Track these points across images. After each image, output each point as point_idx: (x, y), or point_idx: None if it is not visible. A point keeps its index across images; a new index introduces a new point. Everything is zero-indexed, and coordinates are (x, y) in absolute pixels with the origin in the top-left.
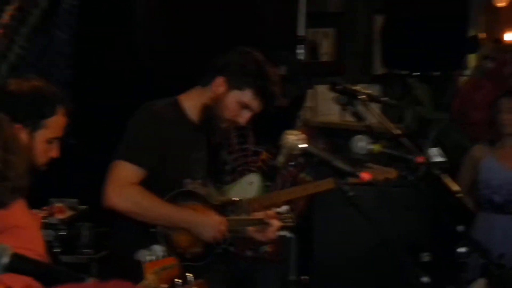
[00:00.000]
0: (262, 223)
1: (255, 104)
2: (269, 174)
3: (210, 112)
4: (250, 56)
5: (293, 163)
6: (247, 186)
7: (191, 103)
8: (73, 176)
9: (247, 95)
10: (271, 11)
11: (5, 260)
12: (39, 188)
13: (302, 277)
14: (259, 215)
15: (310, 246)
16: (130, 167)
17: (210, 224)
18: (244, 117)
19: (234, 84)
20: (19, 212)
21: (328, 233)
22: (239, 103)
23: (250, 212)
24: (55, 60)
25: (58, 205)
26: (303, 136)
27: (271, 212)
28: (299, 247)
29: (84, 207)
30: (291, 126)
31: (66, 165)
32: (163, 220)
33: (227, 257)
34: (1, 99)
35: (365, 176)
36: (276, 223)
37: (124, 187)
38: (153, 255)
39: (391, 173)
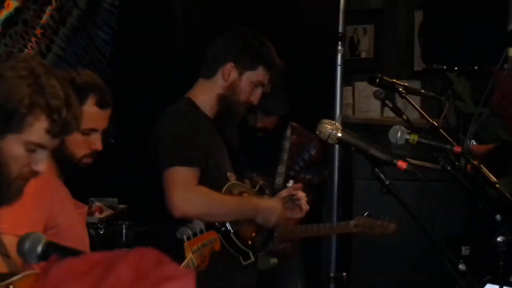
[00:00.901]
0: (291, 199)
1: (266, 78)
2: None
3: (226, 101)
4: (247, 35)
5: (291, 173)
6: None
7: (203, 98)
8: (113, 175)
9: (260, 73)
10: (312, 8)
11: (40, 248)
12: (79, 187)
13: (341, 274)
14: (285, 192)
15: (349, 242)
16: (186, 170)
17: (275, 208)
18: (257, 95)
19: (245, 66)
20: (65, 209)
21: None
22: (253, 83)
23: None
24: (95, 60)
25: (98, 204)
26: (339, 125)
27: (295, 185)
28: (338, 244)
29: (123, 206)
30: (278, 150)
31: (105, 164)
32: (233, 214)
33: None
34: None
35: (402, 164)
36: (302, 194)
37: (189, 192)
38: (192, 230)
39: (389, 228)
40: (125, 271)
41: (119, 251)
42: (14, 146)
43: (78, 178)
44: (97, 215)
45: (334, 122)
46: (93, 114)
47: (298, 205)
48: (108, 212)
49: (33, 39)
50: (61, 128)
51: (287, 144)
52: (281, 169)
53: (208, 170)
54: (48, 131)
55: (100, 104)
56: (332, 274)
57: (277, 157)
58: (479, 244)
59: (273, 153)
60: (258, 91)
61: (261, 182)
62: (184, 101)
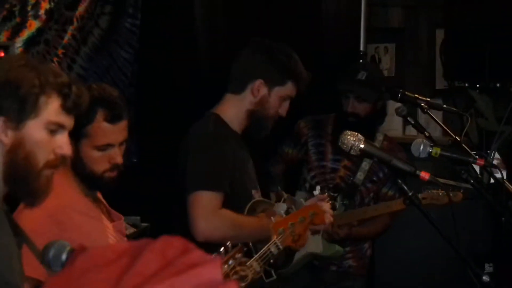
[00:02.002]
0: (315, 213)
1: (294, 92)
2: (348, 192)
3: (256, 116)
4: (274, 49)
5: (374, 178)
6: None
7: (231, 114)
8: (135, 193)
9: (288, 87)
10: (333, 26)
11: (64, 256)
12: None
13: None
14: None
15: (372, 260)
16: (211, 195)
17: None
18: (285, 107)
19: (274, 82)
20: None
21: (389, 247)
22: (282, 97)
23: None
24: (117, 79)
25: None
26: (361, 136)
27: (320, 196)
28: None
29: (146, 224)
30: (372, 137)
31: (128, 182)
32: (256, 235)
33: (312, 269)
34: None
35: (425, 175)
36: (327, 206)
37: (213, 217)
38: (287, 207)
39: (457, 196)
40: (151, 259)
41: (145, 240)
42: (36, 130)
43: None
44: None
45: (356, 133)
46: (104, 129)
47: (322, 217)
48: (131, 230)
49: (55, 59)
50: (73, 103)
51: (378, 144)
52: (365, 166)
53: (233, 190)
54: (63, 107)
55: (110, 119)
56: None
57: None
58: (503, 260)
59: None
60: (286, 104)
61: (285, 195)
62: (211, 118)
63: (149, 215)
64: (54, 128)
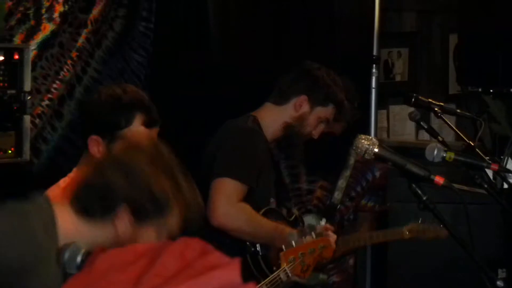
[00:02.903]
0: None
1: (332, 117)
2: (327, 214)
3: (292, 130)
4: (323, 72)
5: (352, 194)
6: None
7: (268, 122)
8: None
9: (329, 111)
10: (346, 31)
11: (79, 258)
12: None
13: None
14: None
15: (384, 258)
16: (236, 184)
17: None
18: (320, 130)
19: (318, 102)
20: None
21: (402, 249)
22: (320, 118)
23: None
24: (131, 82)
25: None
26: (375, 140)
27: (327, 226)
28: (373, 260)
29: None
30: (345, 156)
31: None
32: (267, 238)
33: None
34: (82, 109)
35: (440, 180)
36: (333, 237)
37: (233, 206)
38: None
39: (442, 232)
40: (170, 261)
41: (163, 241)
42: (149, 233)
43: None
44: None
45: (370, 137)
46: (142, 133)
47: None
48: None
49: (69, 61)
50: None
51: (352, 160)
52: (342, 184)
53: (254, 190)
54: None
55: (148, 124)
56: None
57: (340, 171)
58: None
59: (338, 160)
60: (321, 127)
61: (297, 213)
62: (250, 118)
63: None
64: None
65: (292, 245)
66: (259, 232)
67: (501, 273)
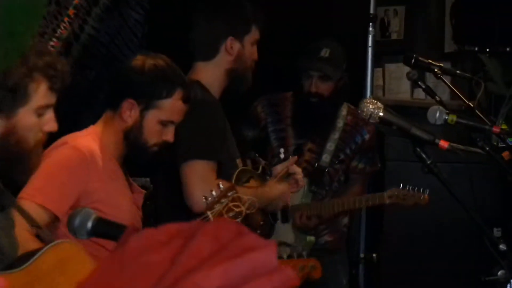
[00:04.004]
0: (288, 174)
1: (258, 33)
2: (315, 176)
3: (237, 72)
4: (226, 3)
5: (341, 157)
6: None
7: (209, 80)
8: None
9: (255, 32)
10: None
11: (90, 224)
12: (125, 170)
13: (371, 255)
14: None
15: (379, 222)
16: (205, 164)
17: (284, 194)
18: (256, 51)
19: (243, 33)
20: (110, 190)
21: (398, 210)
22: (252, 43)
23: (294, 220)
24: (128, 40)
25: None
26: (380, 104)
27: (290, 160)
28: (368, 224)
29: None
30: (334, 119)
31: None
32: None
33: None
34: (122, 73)
35: (444, 144)
36: (298, 169)
37: (210, 187)
38: (292, 252)
39: (424, 199)
40: (204, 242)
41: (197, 222)
42: (27, 117)
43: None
44: None
45: (376, 101)
46: (177, 107)
47: (295, 179)
48: None
49: (66, 19)
50: (60, 82)
51: (340, 123)
52: (330, 146)
53: (222, 159)
54: (51, 89)
55: (185, 99)
56: (362, 255)
57: (328, 133)
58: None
59: (326, 121)
60: (255, 48)
61: (263, 163)
62: (195, 85)
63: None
64: (43, 111)
65: (283, 258)
66: None
67: (496, 232)
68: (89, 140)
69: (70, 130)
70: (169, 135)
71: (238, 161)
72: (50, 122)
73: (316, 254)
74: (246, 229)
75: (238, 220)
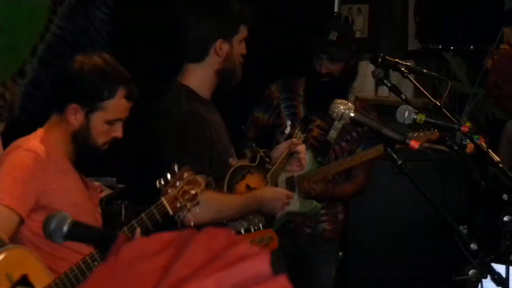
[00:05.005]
0: (291, 154)
1: (246, 30)
2: (321, 150)
3: (227, 72)
4: (219, 4)
5: (347, 137)
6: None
7: (198, 82)
8: (110, 154)
9: (242, 31)
10: None
11: (66, 228)
12: (77, 167)
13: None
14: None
15: (346, 221)
16: None
17: (278, 198)
18: (244, 47)
19: (231, 33)
20: (67, 189)
21: (363, 207)
22: (241, 41)
23: (300, 189)
24: (93, 39)
25: (96, 183)
26: (351, 105)
27: (293, 140)
28: None
29: (121, 185)
30: (344, 96)
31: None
32: (241, 212)
33: (288, 232)
34: (63, 77)
35: (415, 144)
36: (302, 147)
37: (201, 200)
38: (249, 225)
39: (433, 134)
40: (197, 251)
41: (190, 231)
42: None
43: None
44: None
45: (347, 102)
46: (121, 106)
47: (298, 159)
48: (107, 192)
49: None
50: (8, 112)
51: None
52: (338, 124)
53: (211, 164)
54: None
55: (128, 97)
56: None
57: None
58: (478, 223)
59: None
60: (243, 45)
61: (261, 152)
62: (182, 92)
63: (124, 176)
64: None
65: (241, 232)
66: (233, 211)
67: (462, 229)
68: (40, 142)
69: (35, 127)
70: (117, 132)
71: (231, 159)
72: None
73: (312, 241)
74: (239, 238)
75: (194, 203)
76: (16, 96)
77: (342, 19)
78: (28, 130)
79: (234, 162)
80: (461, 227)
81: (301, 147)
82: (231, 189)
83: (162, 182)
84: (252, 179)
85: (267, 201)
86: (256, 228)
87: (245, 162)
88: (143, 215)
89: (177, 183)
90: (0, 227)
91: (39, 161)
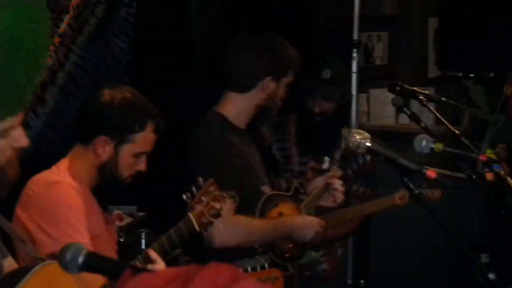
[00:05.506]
0: (327, 189)
1: (292, 76)
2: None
3: (265, 109)
4: (274, 44)
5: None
6: None
7: (236, 112)
8: (131, 183)
9: (290, 75)
10: (326, 15)
11: (81, 259)
12: (97, 195)
13: (359, 281)
14: (320, 183)
15: (367, 248)
16: None
17: (309, 225)
18: (284, 92)
19: (281, 75)
20: (94, 221)
21: (385, 235)
22: (286, 85)
23: None
24: (113, 68)
25: (117, 212)
26: (367, 135)
27: (330, 174)
28: (355, 250)
29: (142, 213)
30: (336, 137)
31: None
32: (270, 238)
33: (285, 277)
34: (92, 109)
35: (432, 173)
36: (339, 183)
37: (227, 224)
38: (255, 264)
39: (436, 195)
40: (201, 286)
41: (194, 266)
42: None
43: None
44: (117, 223)
45: (363, 131)
46: (150, 139)
47: (333, 195)
48: (127, 220)
49: (51, 47)
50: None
51: (342, 143)
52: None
53: (243, 192)
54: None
55: (156, 131)
56: (349, 282)
57: (331, 152)
58: (500, 251)
59: (330, 139)
60: (285, 88)
61: (296, 183)
62: (216, 120)
63: (145, 204)
64: (9, 131)
65: (248, 271)
66: (262, 236)
67: (484, 258)
68: (70, 174)
69: (57, 157)
70: (142, 165)
71: (265, 187)
72: (20, 139)
73: (312, 282)
74: (243, 274)
75: (218, 219)
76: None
77: (361, 46)
78: (51, 160)
79: (267, 190)
80: (482, 256)
81: (338, 183)
82: (263, 216)
83: (189, 195)
84: (285, 207)
85: (297, 227)
86: (262, 267)
87: (279, 192)
88: (171, 230)
89: (203, 198)
90: None
91: (78, 194)
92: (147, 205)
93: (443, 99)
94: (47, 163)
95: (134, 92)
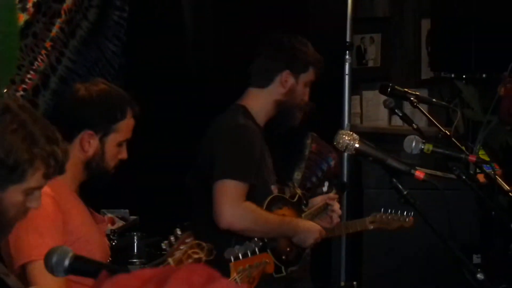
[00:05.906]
0: (325, 209)
1: (314, 76)
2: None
3: (285, 106)
4: (294, 41)
5: (308, 185)
6: None
7: (258, 106)
8: (123, 186)
9: (311, 73)
10: (319, 17)
11: (67, 262)
12: (90, 199)
13: (352, 283)
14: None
15: (359, 250)
16: (237, 184)
17: (312, 231)
18: (307, 93)
19: (300, 70)
20: (84, 223)
21: (377, 237)
22: (306, 84)
23: None
24: (105, 71)
25: (109, 215)
26: (356, 136)
27: (331, 195)
28: (348, 251)
29: (134, 217)
30: (300, 147)
31: (116, 176)
32: (275, 232)
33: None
34: (71, 106)
35: (420, 174)
36: (337, 206)
37: (238, 207)
38: (246, 250)
39: (409, 221)
40: (177, 287)
41: (170, 267)
42: (15, 195)
43: (91, 190)
44: (109, 226)
45: (351, 132)
46: (130, 125)
47: (330, 217)
48: (120, 224)
49: (43, 51)
50: (55, 171)
51: (305, 152)
52: (297, 175)
53: (258, 180)
54: (46, 176)
55: (135, 116)
56: (342, 283)
57: (294, 163)
58: (492, 252)
59: (293, 151)
60: (307, 90)
61: (300, 192)
62: (240, 111)
63: (137, 208)
64: (32, 192)
65: (239, 258)
66: (267, 229)
67: (476, 258)
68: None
69: None
70: (123, 153)
71: (273, 187)
72: (33, 201)
73: (282, 283)
74: (218, 274)
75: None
76: (67, 154)
77: (354, 48)
78: None
79: (276, 191)
80: (474, 256)
81: (337, 206)
82: None
83: (168, 244)
84: (289, 213)
85: (301, 231)
86: (252, 252)
87: (284, 195)
88: None
89: (181, 247)
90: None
91: (55, 204)
92: (139, 209)
93: (434, 100)
94: None
95: (106, 82)
